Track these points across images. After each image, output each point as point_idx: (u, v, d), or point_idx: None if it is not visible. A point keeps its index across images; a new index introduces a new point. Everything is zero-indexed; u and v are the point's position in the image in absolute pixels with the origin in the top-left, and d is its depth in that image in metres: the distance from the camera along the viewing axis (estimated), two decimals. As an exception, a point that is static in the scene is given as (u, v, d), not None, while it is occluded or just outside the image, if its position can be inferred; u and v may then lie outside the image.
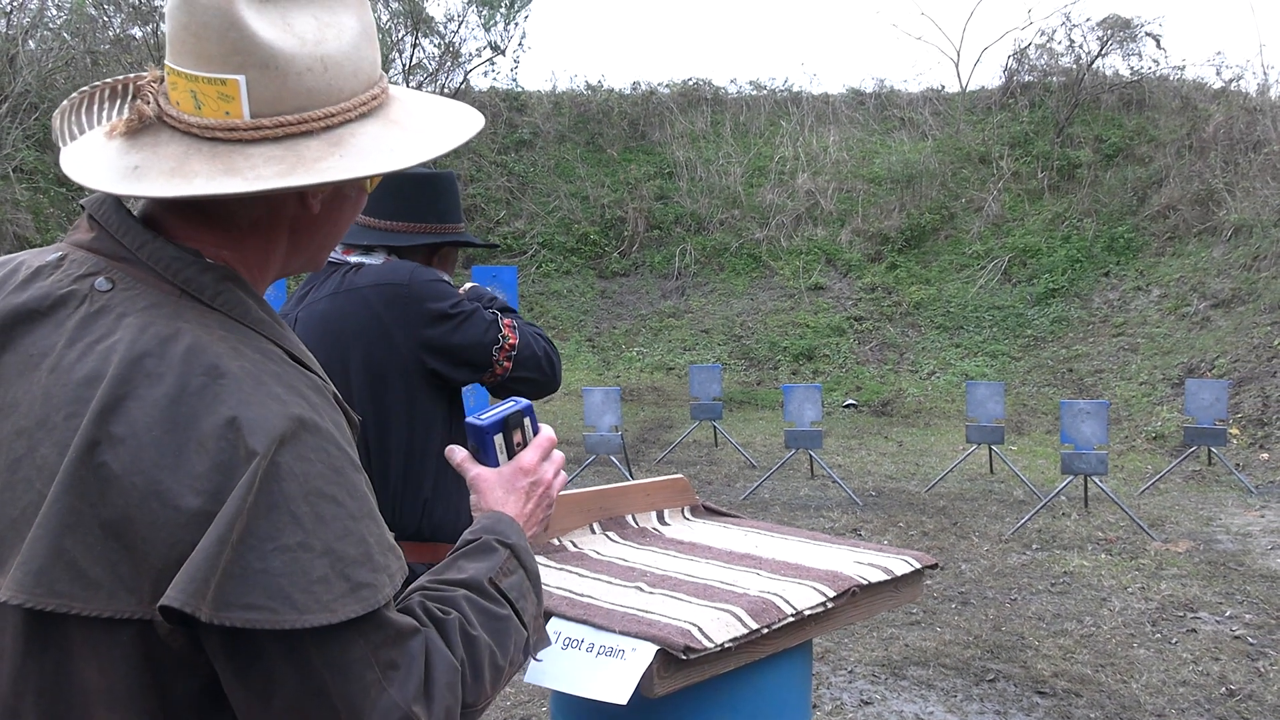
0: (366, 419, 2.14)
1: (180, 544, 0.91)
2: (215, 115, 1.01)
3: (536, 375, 2.29)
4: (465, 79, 20.01)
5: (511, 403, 1.40)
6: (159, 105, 1.04)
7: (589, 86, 20.63)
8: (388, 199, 2.29)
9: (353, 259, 2.26)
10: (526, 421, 1.40)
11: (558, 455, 1.41)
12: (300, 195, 1.09)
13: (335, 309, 2.19)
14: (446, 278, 2.30)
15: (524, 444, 1.39)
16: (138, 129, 1.04)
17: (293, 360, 1.05)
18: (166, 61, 1.05)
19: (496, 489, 1.34)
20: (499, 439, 1.36)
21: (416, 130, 1.11)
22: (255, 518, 0.92)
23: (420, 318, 2.14)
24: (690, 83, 20.56)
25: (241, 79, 1.00)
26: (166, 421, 0.93)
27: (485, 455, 1.36)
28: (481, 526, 1.26)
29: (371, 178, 1.11)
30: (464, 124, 1.16)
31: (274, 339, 1.06)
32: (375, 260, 2.26)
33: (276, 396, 0.97)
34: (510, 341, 2.22)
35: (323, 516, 0.95)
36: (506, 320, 2.26)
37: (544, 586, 2.21)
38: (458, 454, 1.37)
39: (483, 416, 1.36)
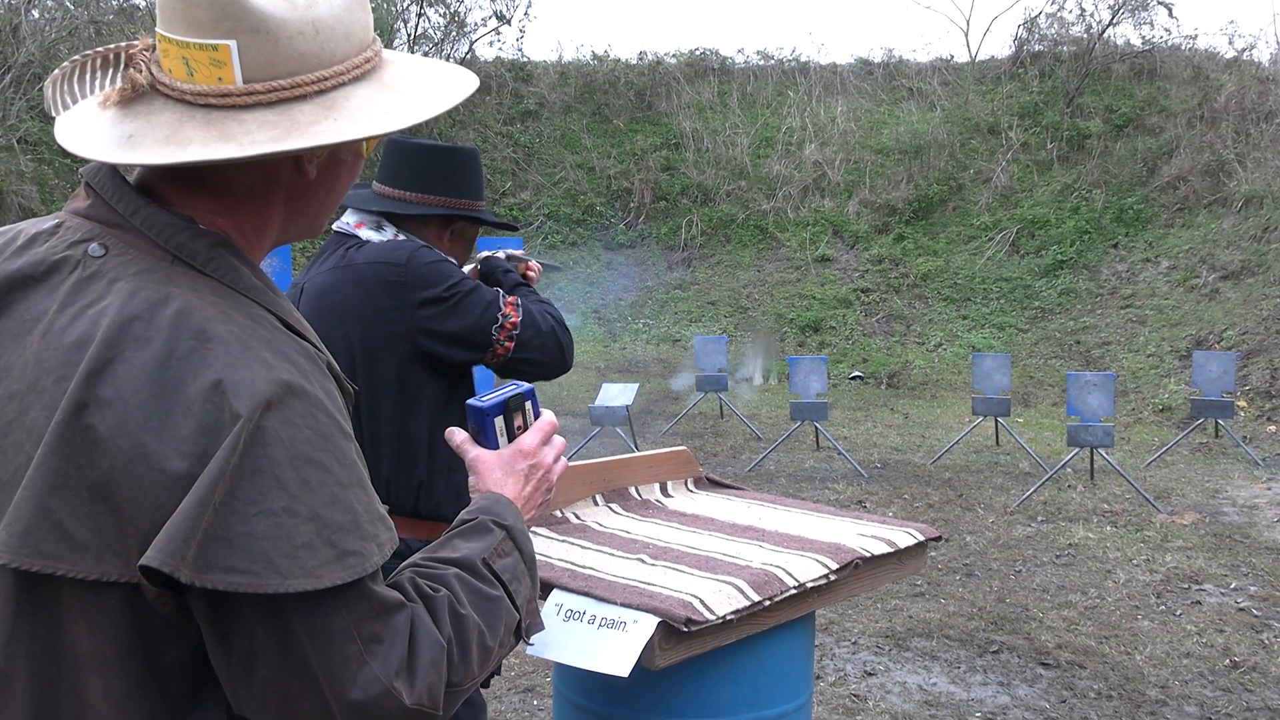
0: (359, 397, 2.12)
1: (165, 507, 0.91)
2: (208, 81, 1.01)
3: (541, 356, 2.20)
4: (471, 49, 19.89)
5: (513, 386, 1.40)
6: (151, 74, 1.04)
7: (595, 56, 20.51)
8: (405, 169, 2.23)
9: (362, 233, 2.20)
10: (528, 405, 1.40)
11: (558, 440, 1.41)
12: (296, 160, 1.09)
13: (333, 283, 2.15)
14: (448, 258, 2.21)
15: (525, 427, 1.39)
16: (131, 98, 1.04)
17: (286, 327, 1.05)
18: (157, 29, 1.04)
19: (495, 471, 1.33)
20: (499, 421, 1.36)
21: (410, 93, 1.11)
22: (239, 481, 0.92)
23: (415, 300, 2.08)
24: (697, 53, 20.41)
25: (233, 44, 1.00)
26: (153, 385, 0.94)
27: (485, 438, 1.36)
28: (478, 507, 1.26)
29: (368, 142, 1.12)
30: (457, 86, 1.16)
31: (267, 305, 1.06)
32: (382, 236, 2.20)
33: (264, 361, 0.97)
34: (512, 320, 2.14)
35: (309, 482, 0.95)
36: (510, 299, 2.18)
37: (546, 558, 2.20)
38: (457, 436, 1.37)
39: (483, 399, 1.36)
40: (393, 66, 1.14)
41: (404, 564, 1.14)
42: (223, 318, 0.99)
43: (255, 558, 0.91)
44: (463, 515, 1.24)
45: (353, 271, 2.12)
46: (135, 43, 1.07)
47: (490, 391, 1.39)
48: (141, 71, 1.04)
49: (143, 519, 0.92)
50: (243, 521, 0.91)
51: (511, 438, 1.37)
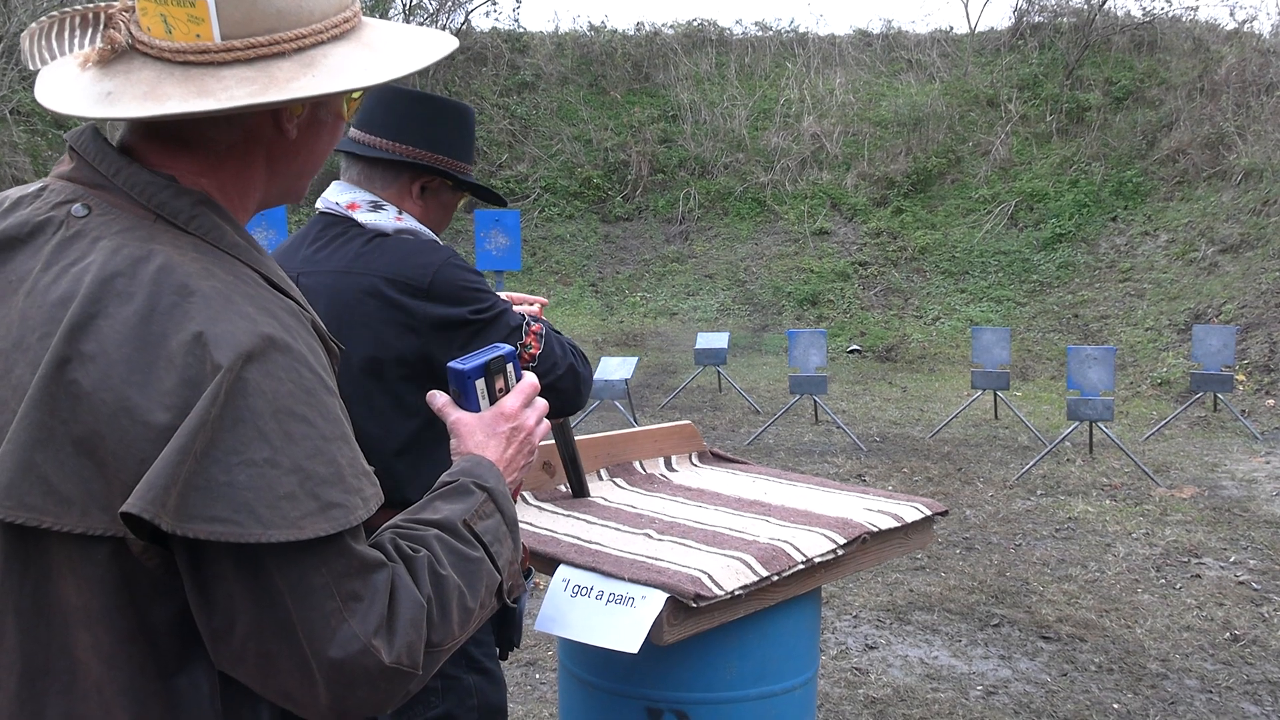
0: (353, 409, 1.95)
1: (149, 460, 0.92)
2: (186, 38, 1.02)
3: (554, 394, 1.93)
4: (467, 19, 19.73)
5: (493, 348, 1.39)
6: (130, 33, 1.05)
7: (592, 27, 20.35)
8: (379, 111, 2.03)
9: (359, 216, 1.97)
10: (510, 367, 1.39)
11: (540, 403, 1.39)
12: (276, 120, 1.10)
13: (342, 290, 1.93)
14: (474, 270, 1.98)
15: (506, 390, 1.38)
16: (111, 58, 1.05)
17: (269, 285, 1.06)
18: None
19: (477, 433, 1.32)
20: (481, 384, 1.35)
21: (388, 51, 1.12)
22: (220, 431, 0.92)
23: (438, 323, 1.89)
24: (695, 23, 20.26)
25: (210, 0, 1.01)
26: (136, 339, 0.94)
27: (466, 400, 1.34)
28: (460, 469, 1.25)
29: (349, 103, 1.15)
30: (435, 45, 1.17)
31: (249, 263, 1.07)
32: (387, 222, 1.98)
33: (246, 315, 0.98)
34: (531, 351, 1.94)
35: (291, 434, 0.95)
36: (535, 326, 1.99)
37: (552, 533, 2.18)
38: (439, 399, 1.34)
39: (464, 361, 1.35)
40: (372, 28, 1.15)
41: (384, 525, 1.14)
42: (204, 273, 0.99)
43: (237, 507, 0.92)
44: (444, 478, 1.23)
45: (366, 282, 1.91)
46: (115, 2, 1.07)
47: (470, 355, 1.38)
48: (121, 31, 1.04)
49: (127, 472, 0.92)
50: (224, 471, 0.92)
51: (493, 400, 1.36)
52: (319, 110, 1.13)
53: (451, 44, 1.18)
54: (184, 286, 0.97)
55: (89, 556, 0.96)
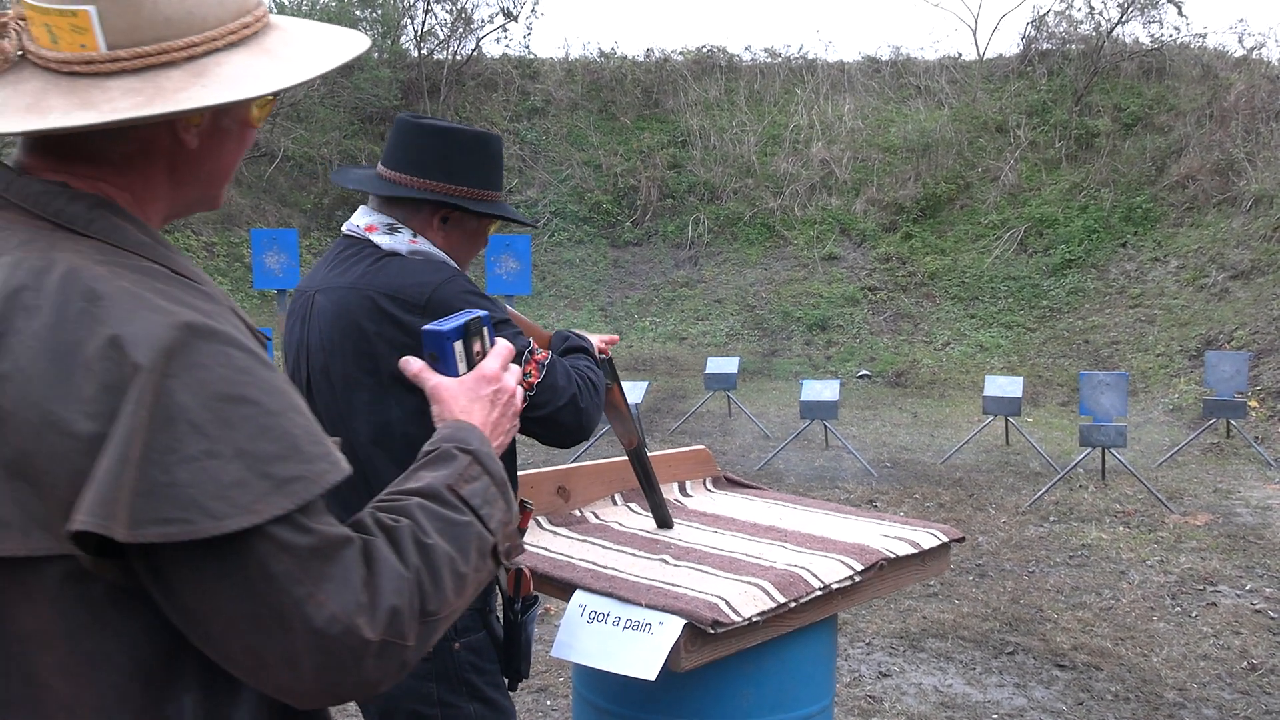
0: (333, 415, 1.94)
1: (84, 472, 0.89)
2: (71, 49, 0.99)
3: (552, 426, 1.93)
4: (478, 45, 19.87)
5: (468, 312, 1.36)
6: (21, 42, 1.02)
7: (602, 53, 20.46)
8: (399, 149, 2.03)
9: (376, 238, 1.99)
10: (485, 331, 1.35)
11: (515, 368, 1.37)
12: (172, 130, 1.06)
13: (348, 305, 1.94)
14: (481, 293, 1.95)
15: (484, 353, 1.34)
16: (4, 68, 1.02)
17: (180, 276, 1.03)
18: None
19: (460, 398, 1.28)
20: (459, 347, 1.32)
21: (288, 58, 1.09)
22: (153, 432, 0.90)
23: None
24: (704, 50, 20.36)
25: (92, 10, 0.98)
26: (50, 351, 0.92)
27: (444, 364, 1.31)
28: (441, 435, 1.22)
29: (258, 109, 1.11)
30: (340, 49, 1.14)
31: (156, 259, 1.04)
32: (402, 244, 1.98)
33: (159, 309, 0.95)
34: (531, 379, 1.89)
35: (229, 420, 0.92)
36: (540, 355, 1.93)
37: (568, 558, 2.17)
38: (413, 364, 1.31)
39: (441, 323, 1.32)
40: (279, 32, 1.11)
41: (370, 502, 1.12)
42: (111, 275, 0.97)
43: (184, 505, 0.89)
44: (426, 446, 1.20)
45: (367, 297, 1.92)
46: (8, 10, 1.04)
47: (445, 318, 1.35)
48: (11, 40, 1.01)
49: (63, 487, 0.90)
50: (164, 472, 0.89)
51: (471, 364, 1.32)
52: (221, 119, 1.09)
53: (359, 45, 1.15)
54: (90, 291, 0.94)
55: (40, 579, 0.93)
